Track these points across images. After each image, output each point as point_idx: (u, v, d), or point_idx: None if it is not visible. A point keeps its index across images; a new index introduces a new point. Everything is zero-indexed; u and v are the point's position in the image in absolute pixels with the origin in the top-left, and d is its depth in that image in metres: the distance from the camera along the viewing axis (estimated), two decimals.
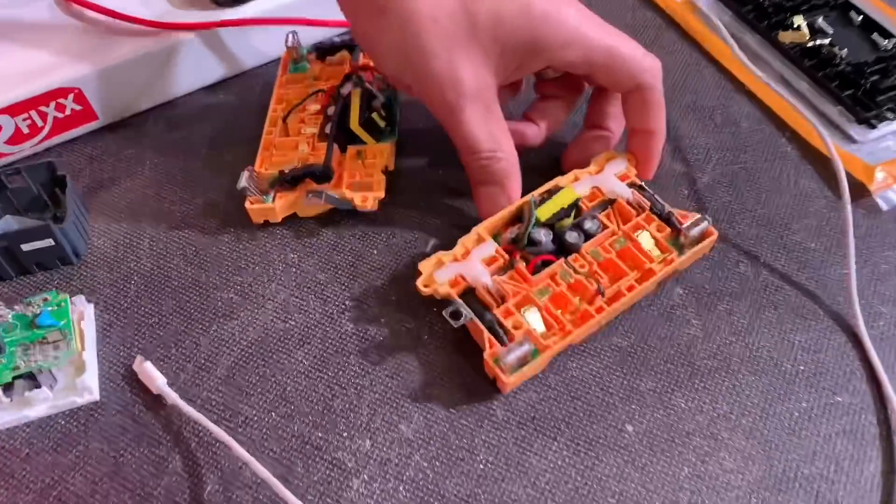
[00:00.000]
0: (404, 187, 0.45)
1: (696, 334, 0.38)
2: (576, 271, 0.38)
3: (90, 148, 0.48)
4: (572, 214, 0.40)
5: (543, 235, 0.38)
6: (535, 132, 0.43)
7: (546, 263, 0.38)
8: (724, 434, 0.35)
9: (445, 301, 0.37)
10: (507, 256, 0.38)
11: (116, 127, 0.50)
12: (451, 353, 0.38)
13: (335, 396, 0.36)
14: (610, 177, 0.41)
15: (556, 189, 0.41)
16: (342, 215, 0.43)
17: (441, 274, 0.38)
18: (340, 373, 0.37)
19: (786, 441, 0.34)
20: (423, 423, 0.35)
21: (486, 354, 0.35)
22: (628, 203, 0.40)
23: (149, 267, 0.42)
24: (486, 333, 0.36)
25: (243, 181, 0.41)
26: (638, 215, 0.40)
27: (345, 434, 0.35)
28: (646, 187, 0.41)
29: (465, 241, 0.39)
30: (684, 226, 0.39)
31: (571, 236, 0.38)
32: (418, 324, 0.39)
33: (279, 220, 0.43)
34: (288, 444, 0.35)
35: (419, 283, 0.37)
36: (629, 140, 0.42)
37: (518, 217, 0.40)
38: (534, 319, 0.36)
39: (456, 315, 0.36)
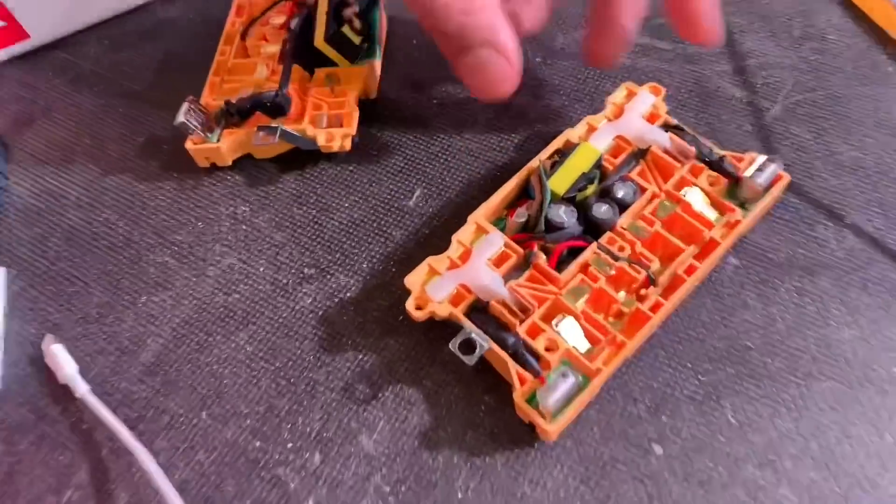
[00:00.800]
0: (387, 121, 0.36)
1: (754, 322, 0.29)
2: (614, 257, 0.28)
3: (18, 73, 0.40)
4: (596, 179, 0.30)
5: (564, 214, 0.29)
6: (534, 11, 0.31)
7: (574, 252, 0.29)
8: (787, 463, 0.26)
9: (449, 323, 0.28)
10: (520, 250, 0.29)
11: (51, 48, 0.41)
12: (435, 343, 0.29)
13: (281, 394, 0.29)
14: (634, 119, 0.31)
15: (569, 147, 0.31)
16: (308, 158, 0.35)
17: (437, 288, 0.28)
18: (291, 364, 0.30)
19: (872, 477, 0.25)
20: (390, 434, 0.28)
21: (517, 396, 0.26)
22: (666, 152, 0.30)
23: (74, 221, 0.34)
24: (513, 365, 0.27)
25: (181, 115, 0.33)
26: (681, 166, 0.30)
27: (290, 444, 0.28)
28: (684, 126, 0.31)
29: (461, 236, 0.29)
30: (746, 173, 0.29)
31: (600, 210, 0.29)
32: (394, 301, 0.31)
33: (229, 163, 0.35)
34: (219, 455, 0.28)
35: (409, 306, 0.28)
36: None
37: (525, 191, 0.31)
38: (571, 333, 0.27)
39: (468, 346, 0.27)
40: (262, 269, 0.32)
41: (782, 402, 0.27)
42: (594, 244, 0.28)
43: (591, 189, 0.29)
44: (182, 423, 0.28)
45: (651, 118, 0.31)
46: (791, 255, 0.30)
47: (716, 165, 0.30)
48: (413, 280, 0.28)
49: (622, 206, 0.29)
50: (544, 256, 0.28)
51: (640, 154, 0.31)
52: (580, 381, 0.26)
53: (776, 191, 0.30)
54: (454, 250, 0.29)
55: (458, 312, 0.28)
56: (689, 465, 0.26)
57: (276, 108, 0.33)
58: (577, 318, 0.27)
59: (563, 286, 0.28)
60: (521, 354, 0.27)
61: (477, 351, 0.26)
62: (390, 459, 0.27)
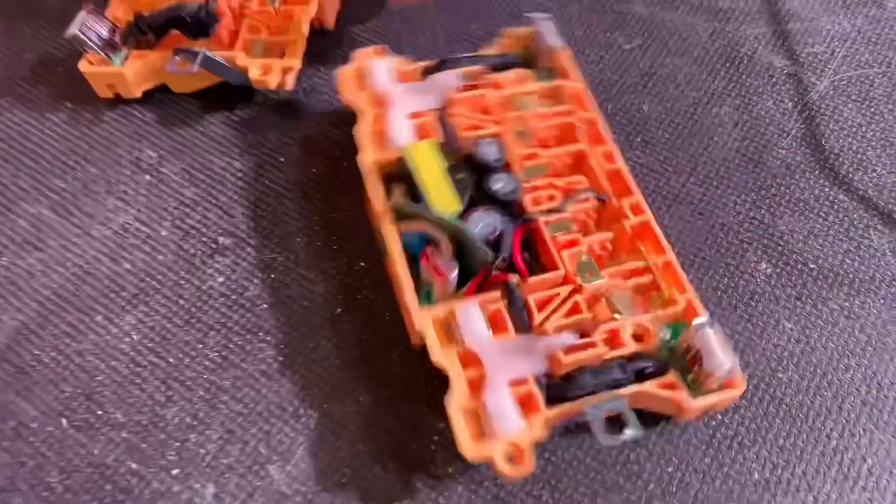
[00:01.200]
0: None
1: (788, 348, 0.23)
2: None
3: None
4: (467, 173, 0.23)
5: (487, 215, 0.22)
6: None
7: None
8: None
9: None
10: (497, 297, 0.21)
11: None
12: (381, 349, 0.23)
13: (172, 401, 0.22)
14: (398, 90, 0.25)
15: (395, 166, 0.23)
16: (239, 96, 0.27)
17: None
18: (188, 361, 0.22)
19: None
20: (311, 467, 0.21)
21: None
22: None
23: None
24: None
25: (75, 26, 0.25)
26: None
27: (175, 471, 0.21)
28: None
29: (436, 356, 0.20)
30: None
31: (498, 185, 0.22)
32: (333, 288, 0.24)
33: (137, 95, 0.27)
34: (78, 480, 0.21)
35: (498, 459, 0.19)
36: None
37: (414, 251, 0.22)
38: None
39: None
40: (164, 234, 0.25)
41: (821, 455, 0.21)
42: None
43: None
44: (34, 430, 0.21)
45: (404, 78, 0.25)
46: (837, 267, 0.24)
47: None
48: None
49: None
50: (517, 276, 0.21)
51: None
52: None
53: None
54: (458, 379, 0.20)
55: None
56: None
57: (200, 26, 0.25)
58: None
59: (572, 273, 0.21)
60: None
61: (629, 432, 0.19)
62: (307, 501, 0.20)
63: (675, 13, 0.30)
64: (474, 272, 0.21)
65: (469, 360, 0.20)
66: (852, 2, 0.31)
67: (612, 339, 0.20)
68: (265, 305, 0.23)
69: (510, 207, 0.22)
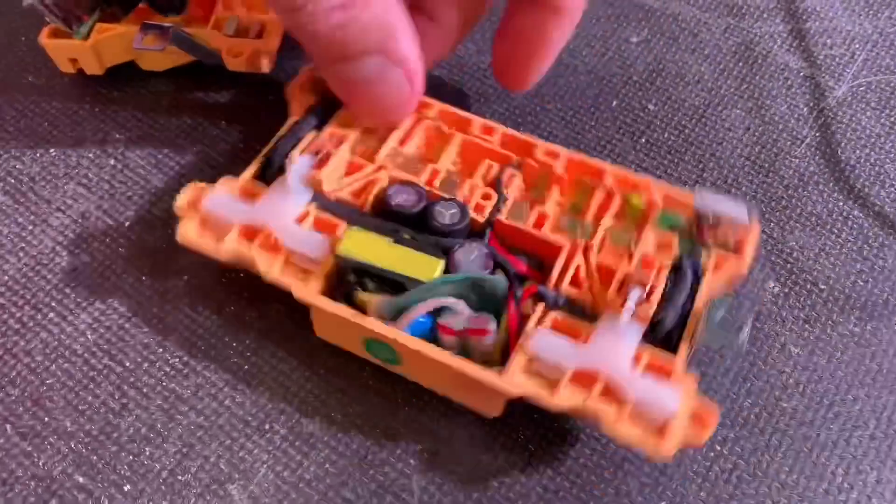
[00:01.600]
0: None
1: (794, 375, 0.21)
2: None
3: None
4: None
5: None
6: (442, 33, 0.23)
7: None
8: None
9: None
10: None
11: None
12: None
13: (127, 410, 0.20)
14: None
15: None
16: (214, 77, 0.25)
17: None
18: (147, 366, 0.21)
19: None
20: (275, 486, 0.19)
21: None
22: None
23: None
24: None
25: None
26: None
27: (127, 487, 0.19)
28: None
29: None
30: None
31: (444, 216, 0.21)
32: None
33: (99, 72, 0.25)
34: (20, 493, 0.19)
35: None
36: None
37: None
38: None
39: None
40: (128, 225, 0.23)
41: (825, 494, 0.19)
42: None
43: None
44: None
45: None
46: (849, 288, 0.23)
47: None
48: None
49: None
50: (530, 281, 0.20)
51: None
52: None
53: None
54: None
55: None
56: None
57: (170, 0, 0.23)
58: None
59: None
60: None
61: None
62: None
63: (687, 6, 0.28)
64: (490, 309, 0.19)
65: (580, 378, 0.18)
66: (875, 1, 0.29)
67: (649, 267, 0.20)
68: (239, 305, 0.22)
69: (462, 233, 0.20)
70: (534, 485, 0.19)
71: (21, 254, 0.22)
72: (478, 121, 0.22)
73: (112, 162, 0.24)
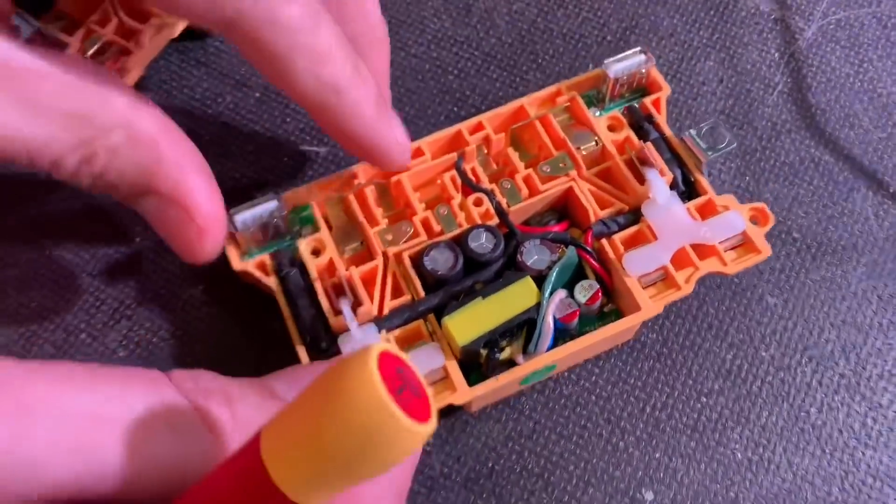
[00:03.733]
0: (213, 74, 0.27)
1: (771, 325, 0.23)
2: None
3: None
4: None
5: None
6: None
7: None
8: None
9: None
10: None
11: None
12: None
13: None
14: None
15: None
16: None
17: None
18: None
19: None
20: None
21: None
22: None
23: None
24: None
25: None
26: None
27: None
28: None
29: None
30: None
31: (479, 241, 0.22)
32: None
33: None
34: None
35: None
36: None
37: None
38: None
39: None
40: (138, 241, 0.24)
41: (801, 432, 0.22)
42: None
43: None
44: None
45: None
46: (821, 234, 0.24)
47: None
48: None
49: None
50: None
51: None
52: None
53: None
54: None
55: None
56: None
57: None
58: None
59: None
60: None
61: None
62: None
63: None
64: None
65: None
66: None
67: (632, 145, 0.23)
68: (251, 314, 0.23)
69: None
70: (540, 449, 0.22)
71: (45, 279, 0.24)
72: None
73: None
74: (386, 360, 0.12)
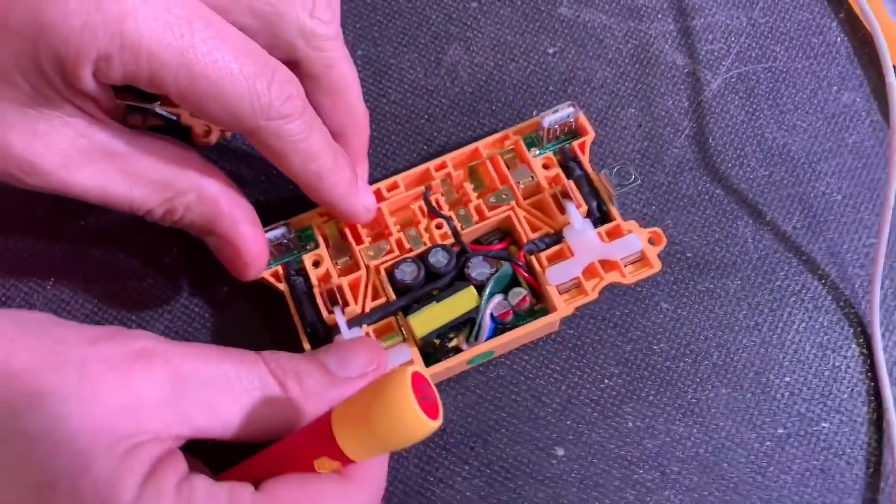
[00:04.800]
0: None
1: (664, 325, 0.30)
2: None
3: None
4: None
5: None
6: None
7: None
8: (674, 467, 0.28)
9: None
10: None
11: None
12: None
13: None
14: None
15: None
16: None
17: None
18: None
19: (747, 480, 0.28)
20: None
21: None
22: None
23: None
24: None
25: None
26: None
27: None
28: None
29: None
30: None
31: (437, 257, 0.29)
32: None
33: None
34: None
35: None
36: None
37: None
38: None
39: None
40: (170, 243, 0.31)
41: (677, 407, 0.29)
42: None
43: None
44: None
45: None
46: (708, 254, 0.31)
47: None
48: None
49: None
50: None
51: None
52: None
53: None
54: None
55: None
56: (586, 469, 0.28)
57: None
58: None
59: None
60: None
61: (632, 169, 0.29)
62: None
63: (595, 13, 0.34)
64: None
65: None
66: None
67: (559, 182, 0.30)
68: (272, 307, 0.30)
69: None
70: (480, 416, 0.29)
71: (106, 282, 0.31)
72: (382, 185, 0.30)
73: None
74: (417, 377, 0.20)
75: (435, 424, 0.20)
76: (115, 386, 0.21)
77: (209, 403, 0.22)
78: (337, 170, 0.26)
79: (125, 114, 0.29)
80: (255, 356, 0.24)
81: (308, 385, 0.24)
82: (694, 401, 0.29)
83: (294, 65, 0.25)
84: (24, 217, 0.31)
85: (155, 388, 0.21)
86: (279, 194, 0.32)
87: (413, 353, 0.28)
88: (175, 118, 0.30)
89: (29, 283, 0.30)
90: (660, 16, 0.34)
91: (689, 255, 0.31)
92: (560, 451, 0.28)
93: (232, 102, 0.22)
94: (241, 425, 0.23)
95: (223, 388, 0.22)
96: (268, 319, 0.30)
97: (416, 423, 0.19)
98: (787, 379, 0.29)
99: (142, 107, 0.29)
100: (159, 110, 0.29)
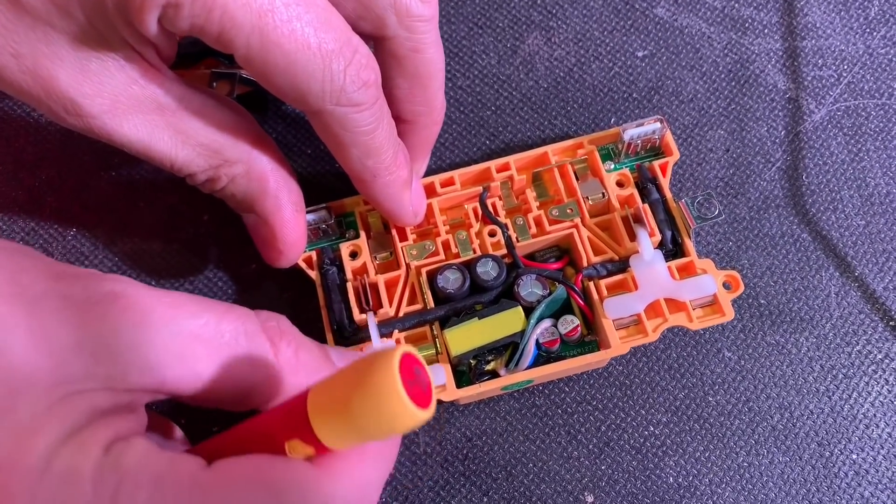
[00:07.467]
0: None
1: (723, 375, 0.27)
2: None
3: None
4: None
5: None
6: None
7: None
8: None
9: None
10: None
11: None
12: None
13: None
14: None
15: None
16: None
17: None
18: None
19: None
20: None
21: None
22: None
23: None
24: None
25: None
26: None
27: None
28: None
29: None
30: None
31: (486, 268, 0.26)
32: None
33: None
34: None
35: None
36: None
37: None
38: None
39: None
40: (206, 218, 0.29)
41: (727, 469, 0.26)
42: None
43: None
44: None
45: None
46: (784, 304, 0.28)
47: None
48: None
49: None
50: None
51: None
52: None
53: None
54: None
55: None
56: None
57: None
58: None
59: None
60: None
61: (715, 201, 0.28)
62: None
63: (695, 18, 0.31)
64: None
65: None
66: (874, 18, 0.31)
67: (632, 204, 0.27)
68: (297, 289, 0.28)
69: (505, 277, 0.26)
70: (507, 446, 0.26)
71: (112, 251, 0.29)
72: (436, 179, 0.27)
73: None
74: (408, 359, 0.17)
75: (424, 415, 0.17)
76: (68, 325, 0.18)
77: (181, 354, 0.19)
78: (394, 168, 0.23)
79: (210, 81, 0.27)
80: (248, 311, 0.21)
81: (303, 355, 0.21)
82: (745, 465, 0.26)
83: (379, 41, 0.23)
84: (55, 154, 0.29)
85: (114, 333, 0.18)
86: (323, 170, 0.29)
87: (445, 369, 0.25)
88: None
89: (49, 229, 0.29)
90: (766, 31, 0.31)
91: (762, 301, 0.28)
92: (589, 498, 0.26)
93: (302, 80, 0.20)
94: (215, 381, 0.20)
95: (199, 338, 0.19)
96: (295, 306, 0.28)
97: (401, 412, 0.16)
98: (854, 456, 0.26)
99: (227, 72, 0.27)
100: (246, 75, 0.27)
